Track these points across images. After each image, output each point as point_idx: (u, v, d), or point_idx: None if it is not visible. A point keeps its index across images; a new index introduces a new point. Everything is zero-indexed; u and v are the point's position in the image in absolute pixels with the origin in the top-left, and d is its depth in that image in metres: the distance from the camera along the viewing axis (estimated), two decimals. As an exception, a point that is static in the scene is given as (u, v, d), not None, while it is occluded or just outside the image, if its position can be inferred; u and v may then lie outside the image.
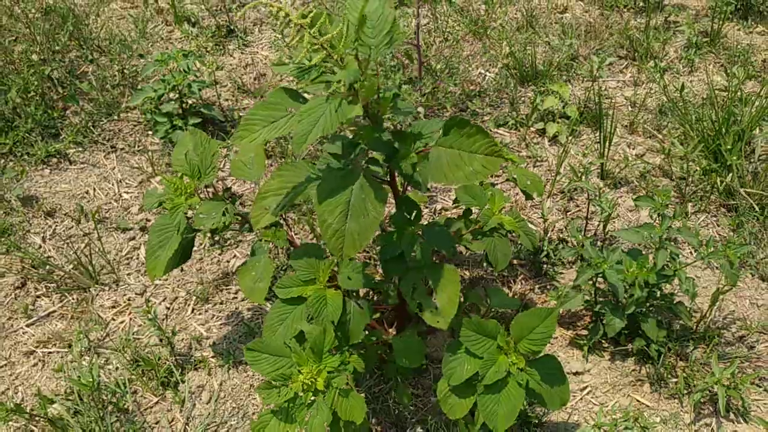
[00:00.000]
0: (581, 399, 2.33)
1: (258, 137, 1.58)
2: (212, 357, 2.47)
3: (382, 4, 1.56)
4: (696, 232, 2.32)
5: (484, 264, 2.75)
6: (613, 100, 3.47)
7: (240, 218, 2.11)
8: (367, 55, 1.53)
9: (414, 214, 1.90)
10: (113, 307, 2.65)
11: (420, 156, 1.69)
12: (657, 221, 2.28)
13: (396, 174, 1.79)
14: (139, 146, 3.28)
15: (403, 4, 4.09)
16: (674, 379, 2.34)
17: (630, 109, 3.43)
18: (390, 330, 2.41)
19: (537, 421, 2.24)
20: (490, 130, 3.32)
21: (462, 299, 2.40)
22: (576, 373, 2.41)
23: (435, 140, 1.66)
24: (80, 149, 3.27)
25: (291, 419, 1.72)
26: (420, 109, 3.25)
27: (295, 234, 2.87)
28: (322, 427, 1.70)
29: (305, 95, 1.64)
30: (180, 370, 2.42)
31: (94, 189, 3.09)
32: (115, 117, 3.41)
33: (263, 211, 1.64)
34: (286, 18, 1.42)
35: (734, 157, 2.88)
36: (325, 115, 1.51)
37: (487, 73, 3.63)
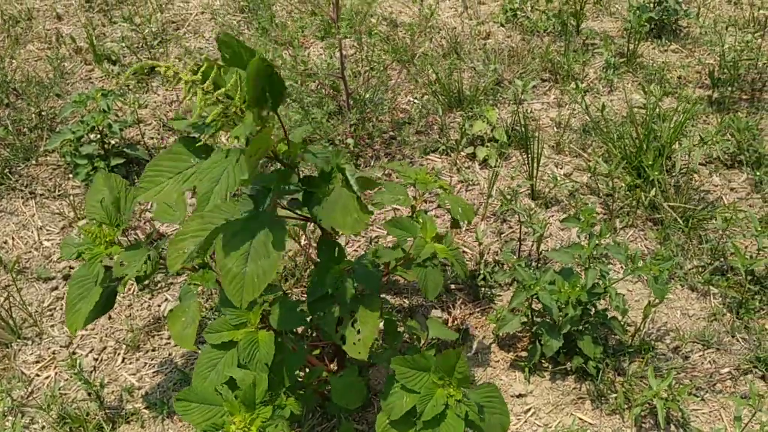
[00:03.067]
0: (525, 421, 2.33)
1: (164, 189, 1.51)
2: (145, 408, 2.36)
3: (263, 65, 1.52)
4: (625, 247, 2.36)
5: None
6: (539, 122, 3.55)
7: (164, 262, 2.03)
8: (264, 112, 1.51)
9: (337, 252, 1.89)
10: (37, 361, 2.51)
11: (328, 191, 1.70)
12: (585, 240, 2.31)
13: None
14: (59, 191, 3.15)
15: (328, 36, 4.09)
16: (614, 395, 2.36)
17: (555, 129, 3.51)
18: (331, 365, 2.36)
19: (483, 448, 2.22)
20: (420, 158, 3.33)
21: (402, 329, 2.37)
22: (519, 396, 2.41)
23: (340, 180, 1.67)
24: (-4, 197, 3.12)
25: (225, 469, 1.65)
26: (350, 140, 3.24)
27: (229, 273, 2.79)
28: (255, 476, 1.63)
29: (206, 145, 1.59)
30: (111, 425, 2.30)
31: (13, 238, 2.95)
32: (33, 161, 3.28)
33: (180, 254, 1.57)
34: (176, 77, 1.38)
35: (656, 173, 2.97)
36: (226, 172, 1.47)
37: (415, 101, 3.66)
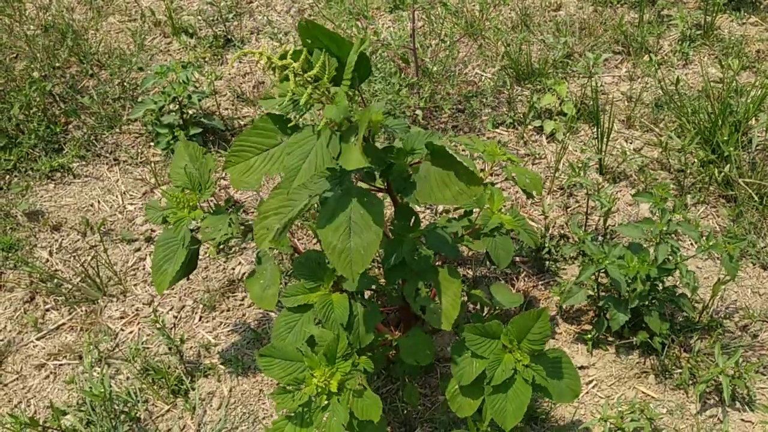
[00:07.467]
0: (587, 393, 2.36)
1: (253, 166, 1.59)
2: (221, 364, 2.50)
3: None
4: (696, 224, 2.34)
5: (487, 262, 2.78)
6: (610, 96, 3.50)
7: (244, 227, 2.14)
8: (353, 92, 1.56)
9: (413, 220, 1.93)
10: (122, 317, 2.68)
11: (414, 168, 1.72)
12: (657, 215, 2.30)
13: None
14: (141, 158, 3.31)
15: (398, 8, 4.11)
16: (679, 370, 2.36)
17: (626, 103, 3.45)
18: (395, 331, 2.43)
19: (544, 416, 2.27)
20: (487, 131, 3.35)
21: (465, 298, 2.42)
22: (581, 368, 2.43)
23: (425, 156, 1.68)
24: (83, 163, 3.31)
25: (307, 423, 1.75)
26: (418, 111, 3.28)
27: (298, 239, 2.90)
28: (340, 428, 1.72)
29: (291, 121, 1.65)
30: (190, 378, 2.45)
31: (99, 202, 3.13)
32: (117, 130, 3.45)
33: (265, 231, 1.65)
34: (269, 62, 1.47)
35: (731, 148, 2.90)
36: (315, 150, 1.52)
37: (484, 74, 3.66)
